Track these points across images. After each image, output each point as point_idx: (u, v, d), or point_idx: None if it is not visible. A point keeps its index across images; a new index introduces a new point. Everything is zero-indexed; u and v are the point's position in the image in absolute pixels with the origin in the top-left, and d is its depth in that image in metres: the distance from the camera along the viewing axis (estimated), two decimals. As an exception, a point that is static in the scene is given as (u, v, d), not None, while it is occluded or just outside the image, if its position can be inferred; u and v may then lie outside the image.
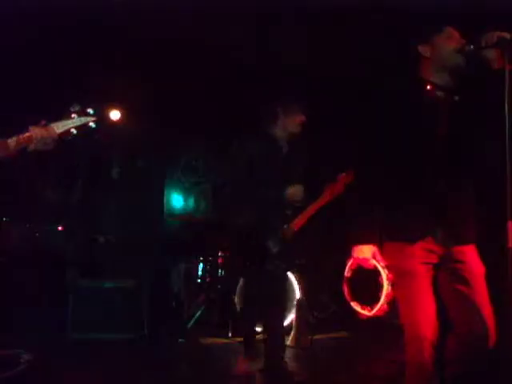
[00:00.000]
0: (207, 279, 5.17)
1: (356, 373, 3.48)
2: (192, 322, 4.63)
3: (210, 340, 4.45)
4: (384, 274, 2.11)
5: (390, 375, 3.26)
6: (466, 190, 2.20)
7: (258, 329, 4.51)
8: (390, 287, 2.09)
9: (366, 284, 2.19)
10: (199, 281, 5.18)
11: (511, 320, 1.84)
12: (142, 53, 4.76)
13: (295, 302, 4.54)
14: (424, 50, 2.21)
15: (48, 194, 5.16)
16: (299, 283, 4.70)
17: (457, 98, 2.20)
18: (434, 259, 2.16)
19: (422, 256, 2.14)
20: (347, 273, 2.25)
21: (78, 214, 5.47)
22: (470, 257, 2.18)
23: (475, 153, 2.22)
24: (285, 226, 3.38)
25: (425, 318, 2.11)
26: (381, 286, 2.10)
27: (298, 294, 4.64)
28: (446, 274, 2.18)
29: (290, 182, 3.33)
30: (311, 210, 3.51)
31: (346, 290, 2.26)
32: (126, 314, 4.37)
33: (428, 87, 2.21)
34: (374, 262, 2.14)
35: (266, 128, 3.41)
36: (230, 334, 4.47)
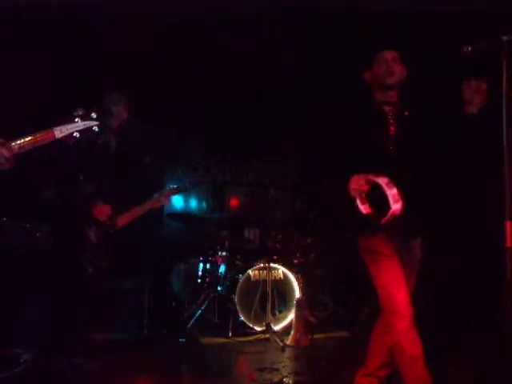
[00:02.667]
0: (207, 279, 5.17)
1: (356, 373, 3.47)
2: (192, 321, 4.63)
3: (210, 340, 4.45)
4: (380, 181, 2.27)
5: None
6: (418, 189, 2.46)
7: (258, 328, 4.53)
8: (391, 187, 2.25)
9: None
10: (199, 281, 5.18)
11: (511, 320, 1.85)
12: (142, 53, 4.77)
13: (295, 302, 4.55)
14: (368, 75, 2.62)
15: (48, 194, 5.15)
16: (299, 283, 4.71)
17: (406, 112, 2.56)
18: (393, 246, 2.47)
19: (384, 243, 2.46)
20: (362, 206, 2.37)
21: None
22: (415, 247, 2.57)
23: (424, 157, 2.50)
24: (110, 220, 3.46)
25: (398, 289, 2.40)
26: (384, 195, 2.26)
27: (297, 294, 4.65)
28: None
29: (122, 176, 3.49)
30: (137, 211, 3.66)
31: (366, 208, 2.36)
32: (126, 314, 4.37)
33: (376, 104, 2.58)
34: (367, 180, 2.33)
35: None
36: (230, 334, 4.47)
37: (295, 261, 5.16)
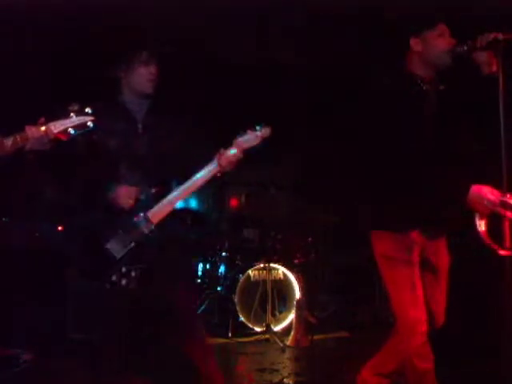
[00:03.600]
0: (207, 279, 5.17)
1: (356, 373, 3.47)
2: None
3: (210, 340, 4.44)
4: (506, 199, 1.95)
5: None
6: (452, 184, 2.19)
7: (258, 329, 4.53)
8: None
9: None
10: (199, 281, 5.18)
11: (511, 320, 1.84)
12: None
13: (295, 302, 4.54)
14: (416, 43, 2.22)
15: (48, 194, 5.16)
16: (299, 283, 4.71)
17: (442, 87, 2.24)
18: (418, 249, 2.23)
19: (408, 246, 2.21)
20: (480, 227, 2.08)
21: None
22: (442, 248, 2.33)
23: (463, 146, 2.24)
24: (139, 217, 2.49)
25: (414, 304, 2.19)
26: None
27: (297, 294, 4.65)
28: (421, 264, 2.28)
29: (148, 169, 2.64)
30: (186, 191, 2.73)
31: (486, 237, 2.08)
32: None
33: (416, 81, 2.22)
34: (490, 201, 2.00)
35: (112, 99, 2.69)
36: (229, 334, 4.47)
37: (295, 261, 5.16)
